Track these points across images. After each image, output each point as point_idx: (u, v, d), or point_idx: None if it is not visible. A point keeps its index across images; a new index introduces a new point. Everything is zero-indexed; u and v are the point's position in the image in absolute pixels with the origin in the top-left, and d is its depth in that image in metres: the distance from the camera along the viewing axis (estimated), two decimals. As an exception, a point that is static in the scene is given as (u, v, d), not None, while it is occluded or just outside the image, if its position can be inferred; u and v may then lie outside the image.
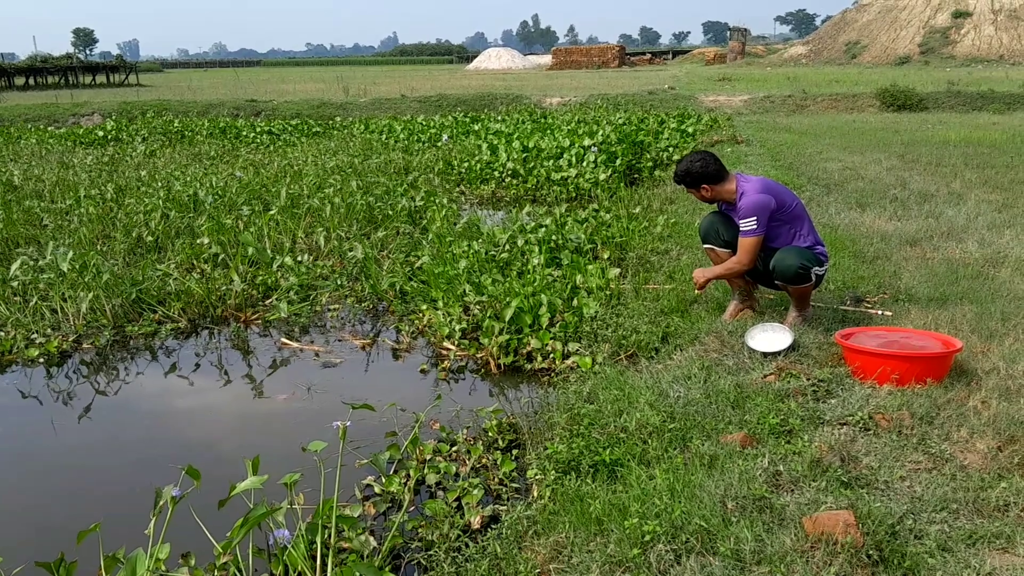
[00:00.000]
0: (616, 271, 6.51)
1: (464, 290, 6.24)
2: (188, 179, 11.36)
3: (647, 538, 2.90)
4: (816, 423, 3.76)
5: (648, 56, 77.68)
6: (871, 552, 2.73)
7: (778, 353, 4.60)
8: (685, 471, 3.36)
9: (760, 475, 3.25)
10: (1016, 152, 12.68)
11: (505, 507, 3.60)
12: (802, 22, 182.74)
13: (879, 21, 58.60)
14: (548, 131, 15.76)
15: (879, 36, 57.01)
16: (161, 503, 2.94)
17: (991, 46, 51.94)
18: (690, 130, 15.78)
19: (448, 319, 5.95)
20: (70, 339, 6.12)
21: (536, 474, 3.75)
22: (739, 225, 4.90)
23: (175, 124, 20.35)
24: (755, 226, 4.82)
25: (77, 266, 6.77)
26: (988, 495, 3.08)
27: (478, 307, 6.02)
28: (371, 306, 6.80)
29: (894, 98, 22.66)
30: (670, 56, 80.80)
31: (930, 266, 6.31)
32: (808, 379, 4.21)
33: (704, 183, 4.96)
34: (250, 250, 7.39)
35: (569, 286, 6.23)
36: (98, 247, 7.99)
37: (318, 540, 3.02)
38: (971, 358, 4.42)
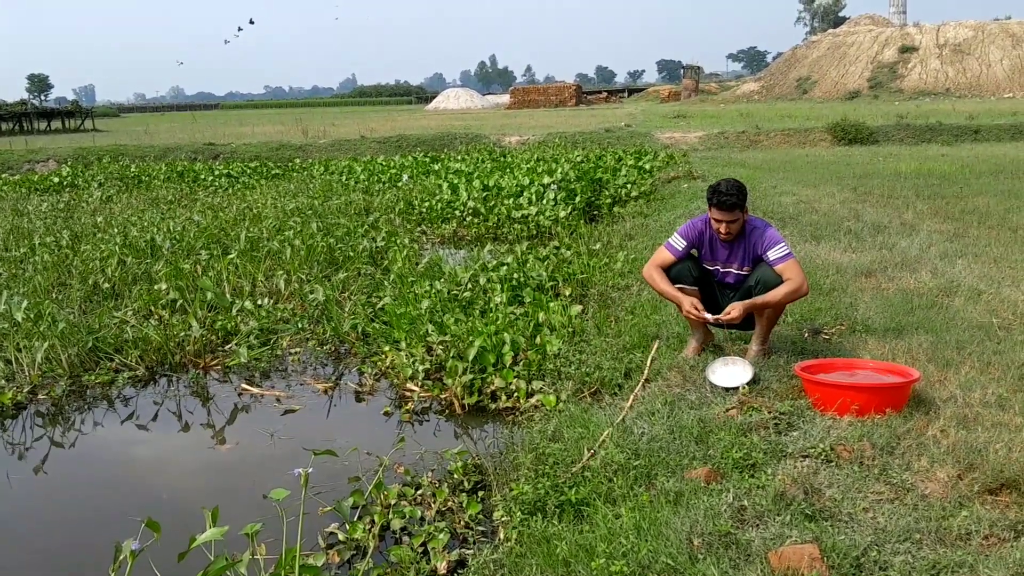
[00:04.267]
0: (578, 308, 6.54)
1: (427, 330, 6.22)
2: (145, 224, 11.25)
3: (614, 578, 2.89)
4: (779, 456, 3.78)
5: (604, 94, 78.68)
6: (837, 585, 2.74)
7: (739, 388, 4.63)
8: (651, 509, 3.35)
9: (725, 510, 3.26)
10: (965, 182, 12.98)
11: (472, 551, 3.57)
12: (754, 59, 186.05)
13: (828, 57, 60.02)
14: (508, 170, 15.85)
15: (829, 72, 58.36)
16: (121, 557, 2.87)
17: (937, 80, 53.40)
18: (647, 167, 15.94)
19: (411, 360, 5.92)
20: (24, 390, 5.98)
21: (502, 516, 3.73)
22: (770, 253, 4.88)
23: (132, 169, 20.15)
24: (788, 248, 4.90)
25: (32, 315, 6.66)
26: (950, 524, 3.10)
27: (441, 347, 6.00)
28: (333, 349, 6.75)
29: (845, 132, 23.10)
30: (626, 94, 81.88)
31: (885, 297, 6.41)
32: (770, 412, 4.23)
33: (744, 205, 4.95)
34: (209, 295, 7.32)
35: (532, 324, 6.24)
36: (54, 295, 7.86)
37: (281, 591, 2.96)
38: (929, 387, 4.48)
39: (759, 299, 4.85)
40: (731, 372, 4.74)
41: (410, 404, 5.54)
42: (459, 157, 20.20)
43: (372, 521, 3.83)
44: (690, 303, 4.92)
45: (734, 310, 4.78)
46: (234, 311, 7.20)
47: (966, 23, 58.03)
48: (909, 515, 3.18)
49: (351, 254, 9.23)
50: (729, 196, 4.84)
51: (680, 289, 5.06)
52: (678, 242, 5.15)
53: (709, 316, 4.90)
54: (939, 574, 2.81)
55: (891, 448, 3.77)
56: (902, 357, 4.96)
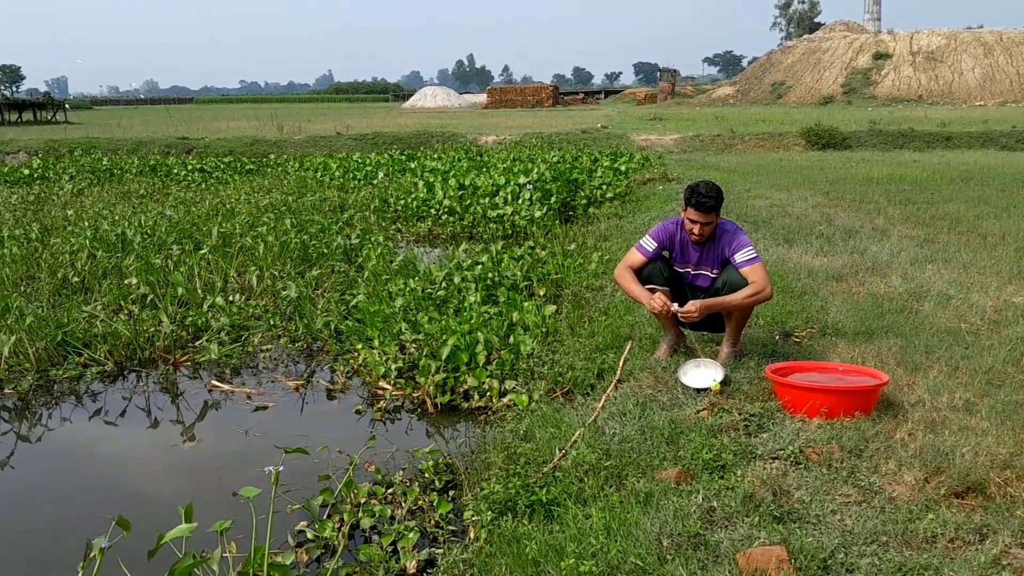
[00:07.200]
0: (552, 308, 6.54)
1: (400, 328, 6.20)
2: (116, 218, 11.14)
3: (584, 578, 2.89)
4: (749, 458, 3.80)
5: (581, 96, 78.84)
6: (804, 586, 2.76)
7: (710, 389, 4.65)
8: (621, 509, 3.36)
9: (695, 511, 3.27)
10: (936, 189, 13.13)
11: (441, 550, 3.56)
12: (729, 63, 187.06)
13: (803, 62, 60.42)
14: (484, 169, 15.83)
15: (803, 77, 58.75)
16: (92, 555, 2.84)
17: (910, 86, 53.90)
18: (623, 168, 15.98)
19: (384, 358, 5.90)
20: (-10, 384, 5.90)
21: (473, 515, 3.73)
22: (737, 256, 4.93)
23: (104, 162, 19.96)
24: (756, 252, 4.94)
25: (-1, 308, 6.57)
26: (916, 527, 3.14)
27: (414, 345, 5.99)
28: (305, 346, 6.71)
29: (819, 137, 23.29)
30: (602, 96, 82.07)
31: (856, 301, 6.47)
32: (740, 414, 4.26)
33: (720, 208, 4.99)
34: (180, 290, 7.25)
35: (505, 323, 6.24)
36: (22, 288, 7.76)
37: (249, 589, 2.94)
38: (897, 391, 4.52)
39: (719, 299, 4.90)
40: (702, 374, 4.77)
41: (382, 402, 5.52)
42: (435, 155, 20.15)
43: (342, 520, 3.81)
44: (658, 296, 4.93)
45: (693, 306, 4.81)
46: (205, 307, 7.13)
47: (939, 31, 58.61)
48: (876, 517, 3.21)
49: (325, 251, 9.19)
50: (708, 198, 4.87)
51: (650, 290, 5.07)
52: (649, 243, 5.17)
53: (675, 305, 4.90)
54: (905, 576, 2.84)
55: (859, 451, 3.80)
56: (871, 361, 5.00)
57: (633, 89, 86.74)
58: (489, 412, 5.23)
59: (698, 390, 4.67)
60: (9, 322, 6.38)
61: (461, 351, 5.60)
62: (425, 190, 13.21)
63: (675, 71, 73.01)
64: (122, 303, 7.41)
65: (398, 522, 3.82)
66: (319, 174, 17.32)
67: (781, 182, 14.72)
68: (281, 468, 3.19)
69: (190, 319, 6.89)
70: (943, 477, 3.50)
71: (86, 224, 10.51)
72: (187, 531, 2.83)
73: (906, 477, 3.55)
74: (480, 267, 7.68)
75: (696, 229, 4.97)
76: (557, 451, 4.03)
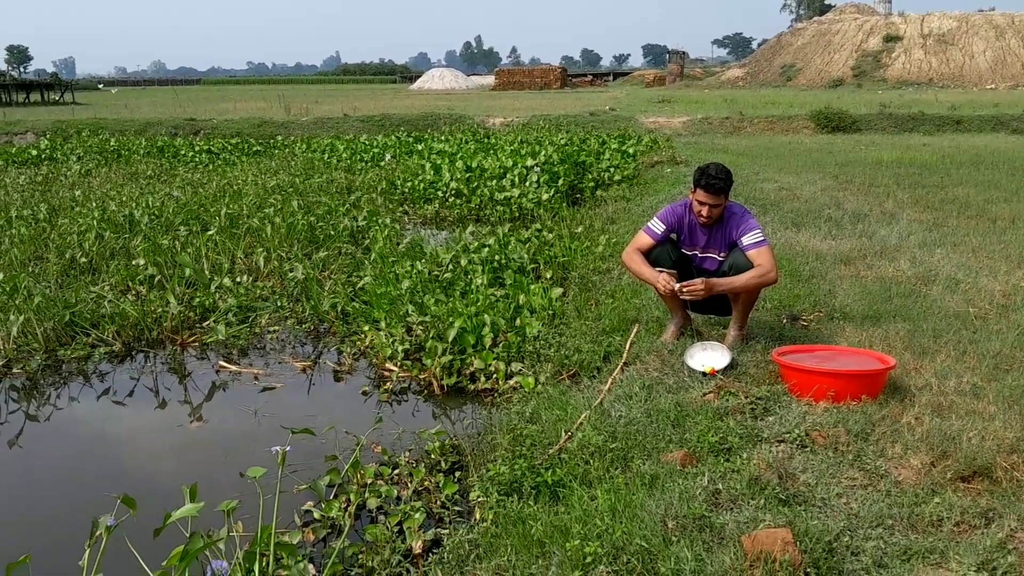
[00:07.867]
0: (559, 290, 6.54)
1: (407, 310, 6.20)
2: (124, 199, 11.15)
3: (588, 560, 2.90)
4: (754, 441, 3.80)
5: (589, 78, 78.60)
6: (809, 570, 2.76)
7: (717, 372, 4.65)
8: (626, 491, 3.36)
9: (700, 494, 3.27)
10: (946, 172, 13.06)
11: (447, 531, 3.58)
12: (739, 45, 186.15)
13: (813, 44, 60.10)
14: (491, 151, 15.79)
15: (813, 59, 58.45)
16: (98, 533, 2.85)
17: (921, 69, 53.60)
18: (631, 151, 15.92)
19: (390, 340, 5.91)
20: (-1, 364, 5.93)
21: (478, 496, 3.74)
22: (744, 239, 4.92)
23: (111, 143, 19.94)
24: (764, 236, 4.94)
25: (7, 288, 6.59)
26: (922, 510, 3.13)
27: (421, 327, 5.99)
28: (312, 327, 6.72)
29: (828, 120, 23.17)
30: (611, 78, 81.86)
31: (864, 284, 6.45)
32: (746, 397, 4.26)
33: (729, 191, 4.98)
34: (187, 271, 7.27)
35: (512, 306, 6.23)
36: (30, 269, 7.78)
37: (256, 569, 2.95)
38: (904, 375, 4.51)
39: (723, 281, 4.89)
40: (709, 357, 4.76)
41: (389, 384, 5.52)
42: (443, 137, 20.10)
43: (348, 500, 3.83)
44: (665, 275, 4.93)
45: (699, 283, 4.80)
46: (212, 288, 7.15)
47: (950, 14, 58.24)
48: (882, 501, 3.21)
49: (332, 233, 9.18)
50: (717, 180, 4.85)
51: (660, 271, 5.06)
52: (657, 226, 5.15)
53: (676, 284, 4.88)
54: (910, 560, 2.84)
55: (866, 435, 3.80)
56: (879, 345, 4.99)
57: (642, 71, 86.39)
58: (495, 394, 5.23)
59: (704, 374, 4.67)
60: (17, 302, 6.40)
61: (468, 333, 5.61)
62: (432, 172, 13.18)
63: (684, 53, 72.70)
64: (130, 284, 7.43)
65: (404, 502, 3.84)
66: (326, 156, 17.29)
67: (790, 165, 14.67)
68: (288, 448, 3.20)
69: (197, 300, 6.90)
70: (949, 461, 3.50)
71: (94, 205, 10.52)
72: (194, 511, 2.84)
73: (912, 461, 3.54)
74: (487, 249, 7.67)
75: (704, 211, 4.95)
76: (563, 433, 4.04)
